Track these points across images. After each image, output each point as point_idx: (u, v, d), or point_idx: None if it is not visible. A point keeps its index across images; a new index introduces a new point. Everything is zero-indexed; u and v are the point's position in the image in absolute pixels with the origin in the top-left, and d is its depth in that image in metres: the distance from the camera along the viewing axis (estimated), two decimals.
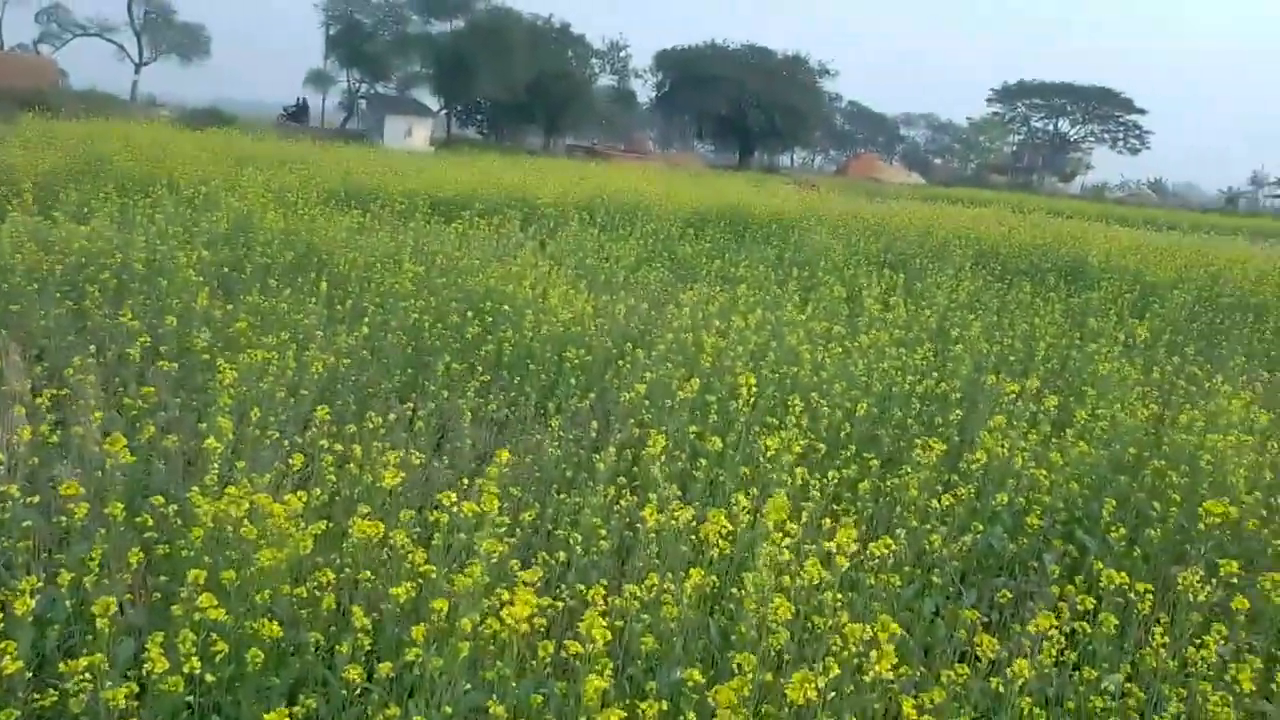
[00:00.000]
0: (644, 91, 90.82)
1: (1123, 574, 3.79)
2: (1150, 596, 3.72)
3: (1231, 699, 3.29)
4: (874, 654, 2.76)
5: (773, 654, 3.25)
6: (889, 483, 5.74)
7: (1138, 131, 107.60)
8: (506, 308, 8.89)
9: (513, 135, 78.92)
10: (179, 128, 35.72)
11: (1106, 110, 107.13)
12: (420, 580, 3.47)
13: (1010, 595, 4.34)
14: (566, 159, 58.94)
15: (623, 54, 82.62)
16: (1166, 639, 3.66)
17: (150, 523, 4.23)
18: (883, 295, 12.14)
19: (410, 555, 3.66)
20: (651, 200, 23.68)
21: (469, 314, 8.59)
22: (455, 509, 3.73)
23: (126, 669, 3.41)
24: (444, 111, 77.70)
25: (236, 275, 9.88)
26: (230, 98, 72.49)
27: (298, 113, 71.68)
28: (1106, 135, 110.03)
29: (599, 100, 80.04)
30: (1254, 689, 3.20)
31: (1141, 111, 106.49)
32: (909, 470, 5.64)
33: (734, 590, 3.83)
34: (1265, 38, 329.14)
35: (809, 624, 3.59)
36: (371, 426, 5.60)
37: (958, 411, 7.05)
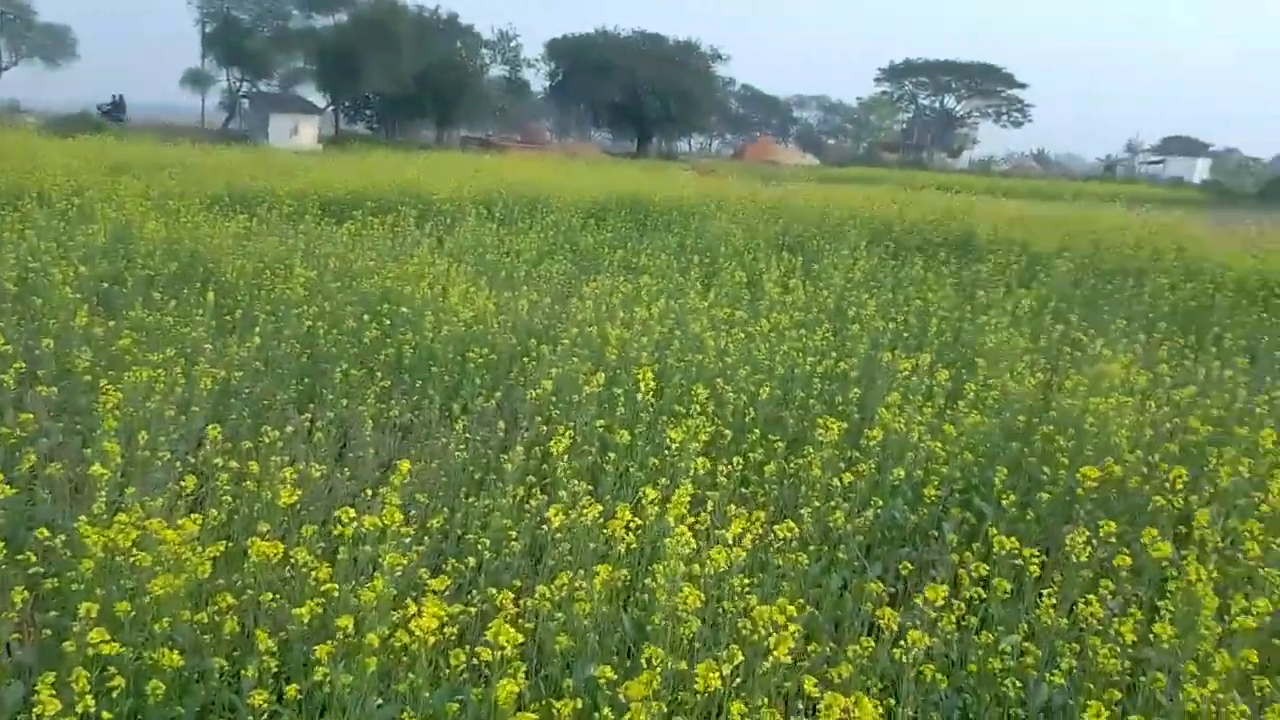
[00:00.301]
0: (537, 81, 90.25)
1: (1014, 539, 3.95)
2: (1038, 560, 3.90)
3: (1118, 650, 3.48)
4: (774, 638, 2.82)
5: (685, 643, 3.29)
6: (794, 464, 5.86)
7: (1019, 105, 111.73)
8: (405, 309, 8.74)
9: (404, 129, 77.48)
10: (47, 135, 33.91)
11: (989, 86, 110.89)
12: (324, 598, 3.39)
13: (911, 566, 4.48)
14: (461, 152, 58.18)
15: (513, 44, 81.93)
16: (1058, 598, 3.85)
17: (34, 558, 4.04)
18: (782, 278, 12.35)
19: (314, 572, 3.58)
20: (550, 191, 23.57)
21: (366, 318, 8.42)
22: (356, 523, 3.66)
23: (15, 714, 3.26)
24: (331, 108, 75.75)
25: (117, 290, 9.45)
26: (103, 102, 69.13)
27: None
28: (990, 110, 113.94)
29: (492, 91, 79.16)
30: (1136, 639, 3.38)
31: (1022, 86, 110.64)
32: (810, 450, 5.76)
33: (646, 582, 3.87)
34: (1139, 9, 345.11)
35: (720, 610, 3.65)
36: (268, 441, 5.44)
37: (856, 390, 7.23)
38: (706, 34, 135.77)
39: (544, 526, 4.68)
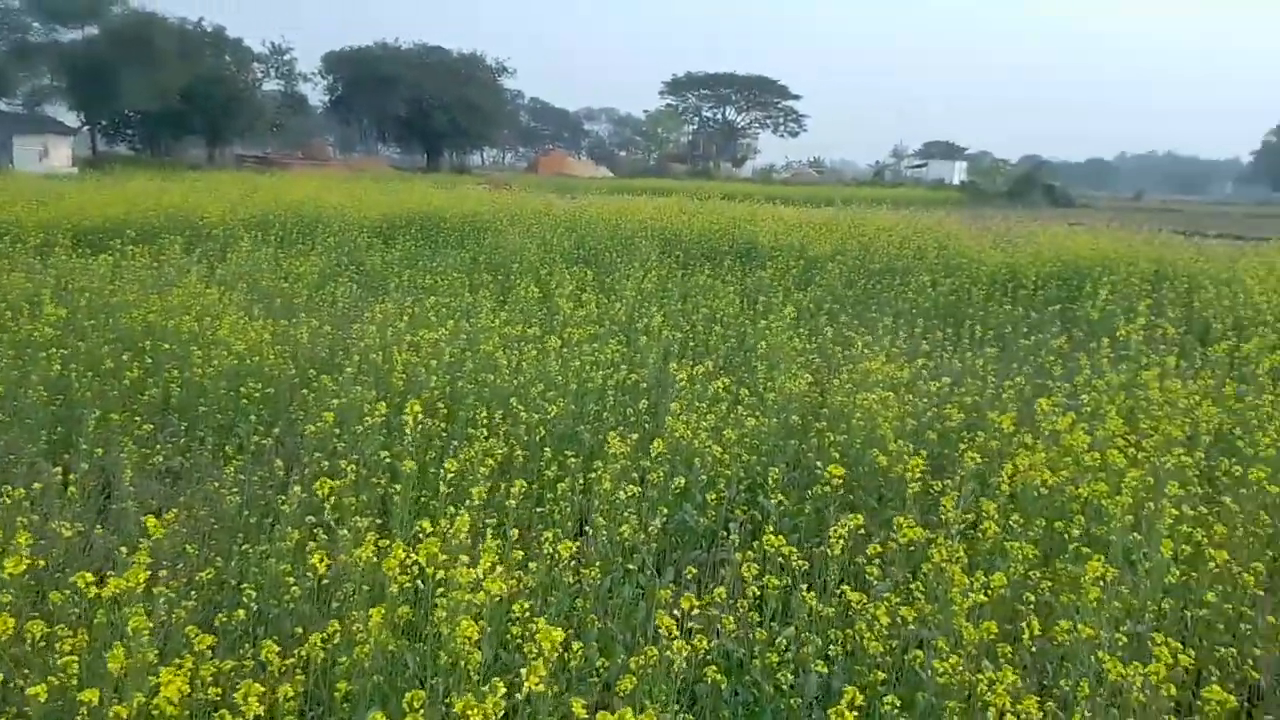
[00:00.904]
0: (316, 96, 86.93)
1: (780, 537, 4.16)
2: (804, 554, 4.13)
3: (882, 632, 3.73)
4: (526, 668, 2.83)
5: (471, 674, 3.24)
6: (588, 478, 5.92)
7: (795, 115, 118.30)
8: (168, 345, 8.15)
9: (172, 149, 72.61)
10: None
11: (766, 97, 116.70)
12: (61, 675, 3.11)
13: (695, 570, 4.62)
14: (236, 171, 55.14)
15: (286, 57, 78.33)
16: (820, 588, 4.08)
17: None
18: (575, 293, 12.44)
19: (60, 643, 3.27)
20: (334, 211, 22.74)
21: (126, 356, 7.81)
22: (96, 587, 3.37)
23: None
24: (86, 128, 69.86)
25: None
26: None
27: None
28: (769, 121, 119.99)
29: (267, 106, 75.47)
30: (890, 621, 3.64)
31: (796, 97, 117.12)
32: (600, 464, 5.84)
33: (430, 616, 3.78)
34: (900, 21, 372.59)
35: (508, 636, 3.62)
36: (9, 501, 4.94)
37: (645, 401, 7.39)
38: (491, 48, 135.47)
39: (330, 566, 4.49)
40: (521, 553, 3.65)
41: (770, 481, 5.27)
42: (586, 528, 5.31)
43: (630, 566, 4.67)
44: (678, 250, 20.29)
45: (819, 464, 6.24)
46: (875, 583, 4.23)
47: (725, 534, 5.77)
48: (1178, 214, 57.14)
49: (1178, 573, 4.47)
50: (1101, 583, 3.98)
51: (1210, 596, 4.53)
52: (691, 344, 10.04)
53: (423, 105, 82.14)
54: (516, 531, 4.34)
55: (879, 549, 4.16)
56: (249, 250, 14.48)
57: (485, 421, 6.32)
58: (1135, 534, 4.65)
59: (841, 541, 3.91)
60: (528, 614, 3.46)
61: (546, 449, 6.10)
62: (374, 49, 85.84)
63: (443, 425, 6.81)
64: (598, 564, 4.43)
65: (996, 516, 4.47)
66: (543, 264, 16.88)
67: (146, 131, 72.73)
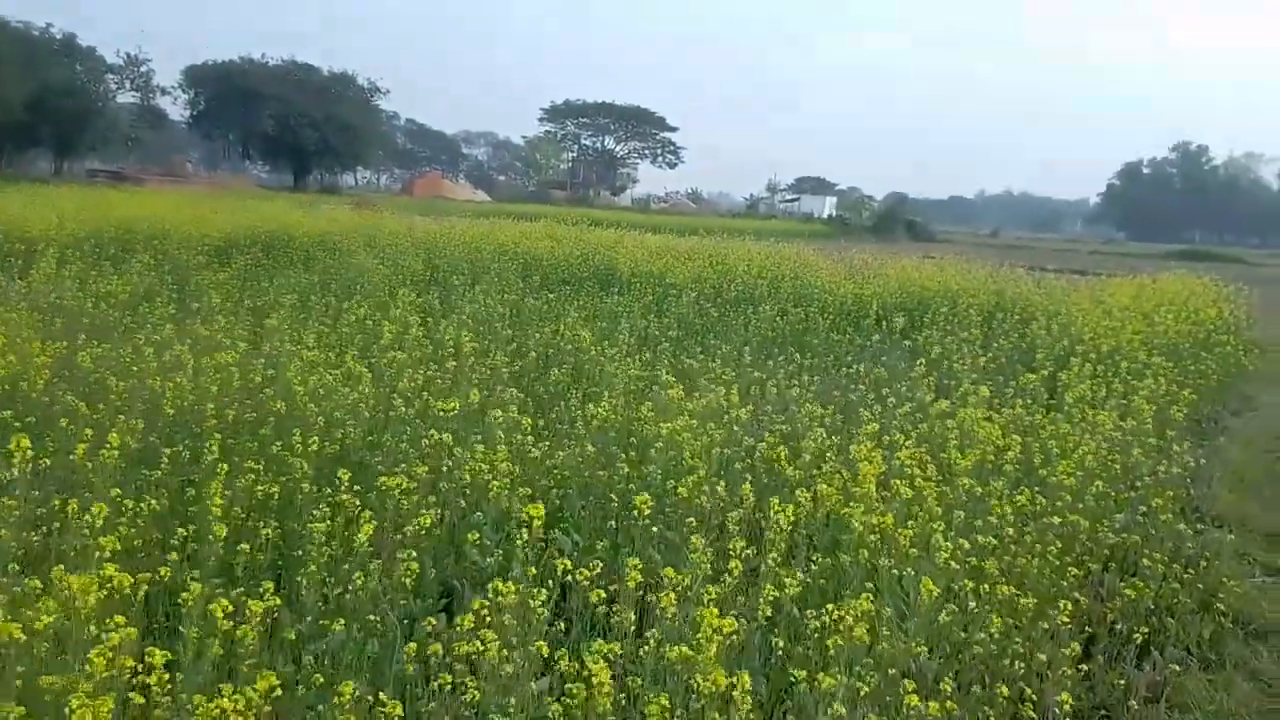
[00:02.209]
0: (177, 111, 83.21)
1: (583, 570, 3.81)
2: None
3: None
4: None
5: None
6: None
7: (673, 147, 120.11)
8: None
9: (15, 161, 68.10)
10: None
11: (644, 128, 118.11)
12: None
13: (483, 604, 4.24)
14: (83, 186, 52.04)
15: (143, 69, 74.61)
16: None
17: None
18: (403, 315, 11.87)
19: None
20: (170, 227, 21.48)
21: None
22: None
23: None
24: None
25: None
26: None
27: None
28: (647, 151, 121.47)
29: (121, 119, 71.68)
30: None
31: (673, 129, 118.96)
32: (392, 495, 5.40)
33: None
34: (776, 57, 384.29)
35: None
36: None
37: (447, 435, 6.92)
38: (367, 67, 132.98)
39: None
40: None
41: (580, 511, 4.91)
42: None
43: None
44: (536, 275, 19.99)
45: (611, 496, 5.95)
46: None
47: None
48: (1028, 250, 60.50)
49: (953, 609, 4.34)
50: (866, 620, 3.80)
51: (989, 632, 4.41)
52: (519, 371, 9.65)
53: (290, 123, 79.67)
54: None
55: (603, 594, 3.88)
56: (52, 268, 13.36)
57: (253, 451, 5.77)
58: (909, 569, 4.51)
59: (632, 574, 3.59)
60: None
61: (305, 485, 5.56)
62: (239, 63, 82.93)
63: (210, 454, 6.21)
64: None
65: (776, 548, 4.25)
66: (388, 287, 16.27)
67: None
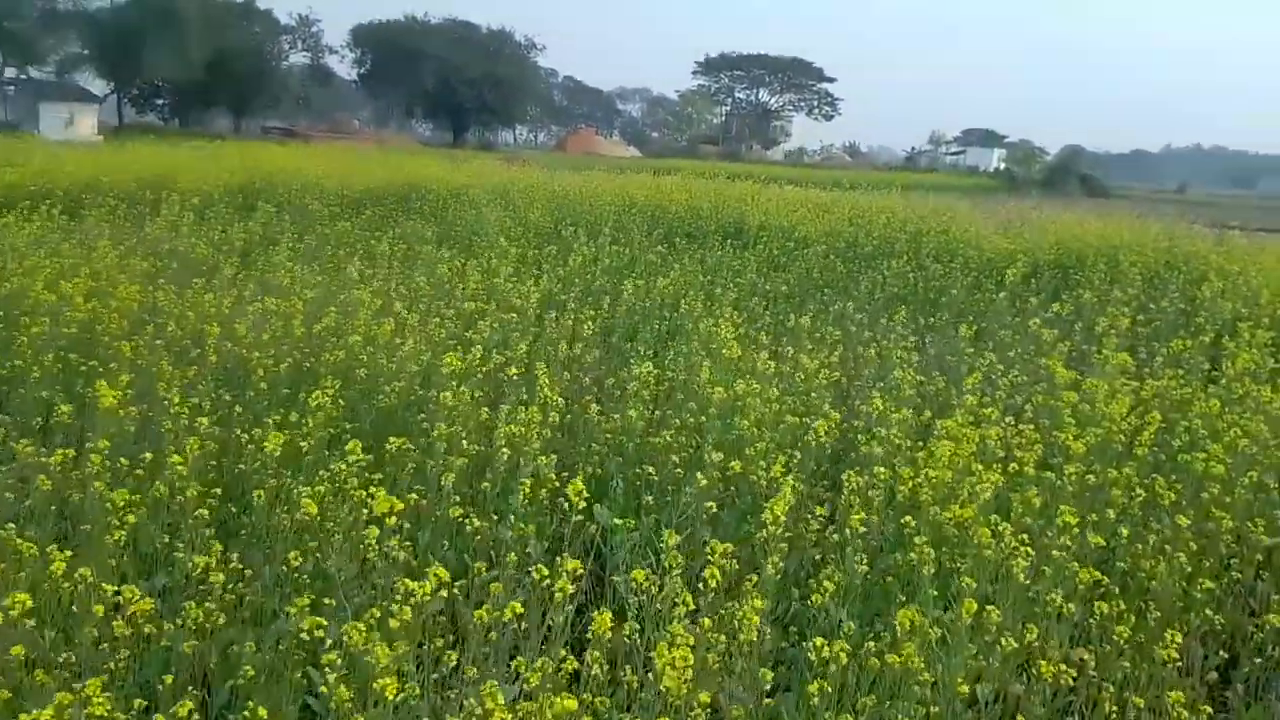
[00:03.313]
0: (345, 70, 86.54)
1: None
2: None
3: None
4: None
5: None
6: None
7: (830, 99, 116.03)
8: None
9: (200, 120, 72.56)
10: None
11: (800, 80, 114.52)
12: None
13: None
14: (256, 142, 54.75)
15: (314, 29, 77.84)
16: None
17: None
18: (501, 266, 11.48)
19: None
20: (317, 181, 22.03)
21: None
22: None
23: None
24: (114, 96, 69.99)
25: None
26: None
27: None
28: (803, 104, 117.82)
29: (292, 79, 75.15)
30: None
31: (831, 80, 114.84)
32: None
33: None
34: (944, 5, 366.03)
35: None
36: None
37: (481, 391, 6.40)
38: (525, 24, 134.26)
39: None
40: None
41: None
42: None
43: None
44: (661, 228, 19.39)
45: (649, 469, 5.29)
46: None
47: None
48: (1215, 207, 54.89)
49: (1032, 630, 3.51)
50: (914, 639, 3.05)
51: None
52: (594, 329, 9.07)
53: (450, 81, 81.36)
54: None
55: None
56: (175, 216, 13.73)
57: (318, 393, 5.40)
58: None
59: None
60: None
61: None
62: (402, 22, 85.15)
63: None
64: None
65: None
66: (510, 237, 16.07)
67: (175, 102, 72.78)
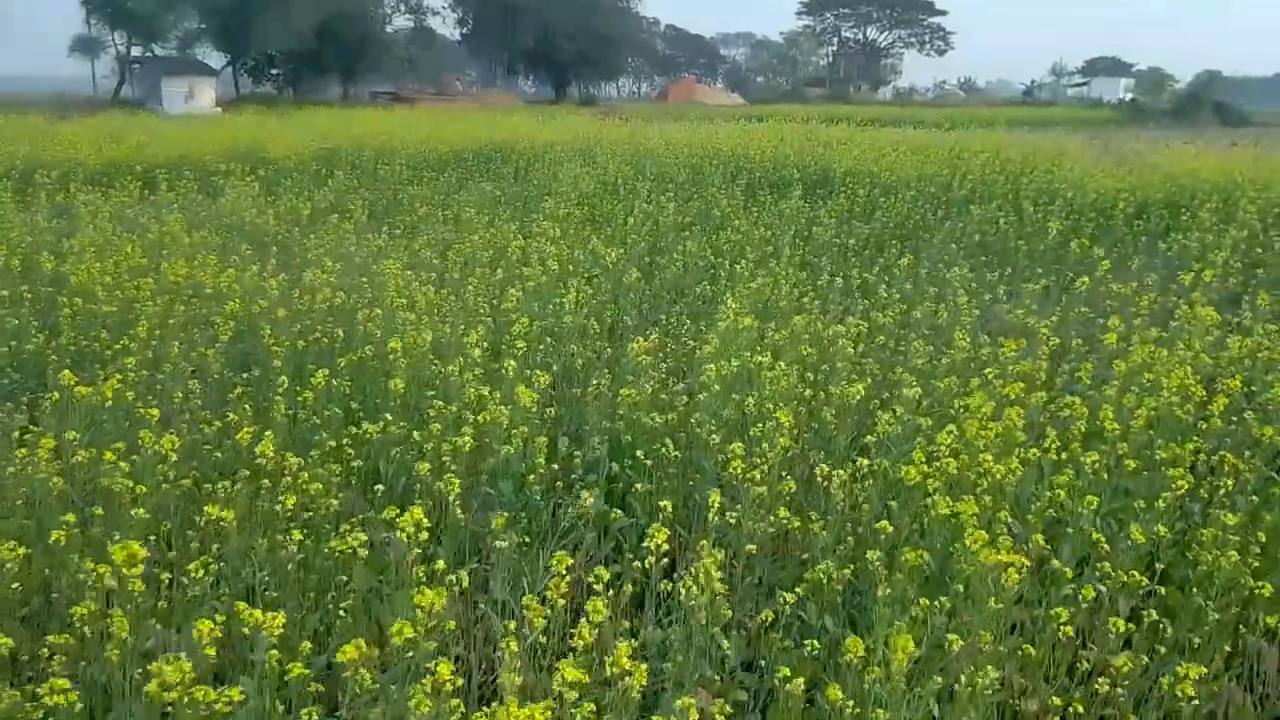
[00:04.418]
0: (447, 29, 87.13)
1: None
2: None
3: None
4: None
5: None
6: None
7: (941, 33, 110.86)
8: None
9: (314, 87, 74.37)
10: None
11: (910, 15, 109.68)
12: None
13: None
14: (364, 108, 55.89)
15: None
16: None
17: None
18: (553, 228, 11.23)
19: None
20: (399, 145, 22.22)
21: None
22: None
23: None
24: (230, 68, 72.42)
25: None
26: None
27: None
28: (914, 40, 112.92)
29: (396, 42, 76.19)
30: None
31: (942, 13, 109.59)
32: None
33: None
34: None
35: None
36: None
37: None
38: None
39: None
40: None
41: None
42: None
43: None
44: (743, 179, 18.79)
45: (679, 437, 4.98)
46: None
47: None
48: None
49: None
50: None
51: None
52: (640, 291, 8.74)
53: (550, 36, 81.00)
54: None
55: None
56: (242, 186, 13.96)
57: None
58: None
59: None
60: None
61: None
62: None
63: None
64: None
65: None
66: (586, 194, 15.88)
67: (289, 71, 74.74)
